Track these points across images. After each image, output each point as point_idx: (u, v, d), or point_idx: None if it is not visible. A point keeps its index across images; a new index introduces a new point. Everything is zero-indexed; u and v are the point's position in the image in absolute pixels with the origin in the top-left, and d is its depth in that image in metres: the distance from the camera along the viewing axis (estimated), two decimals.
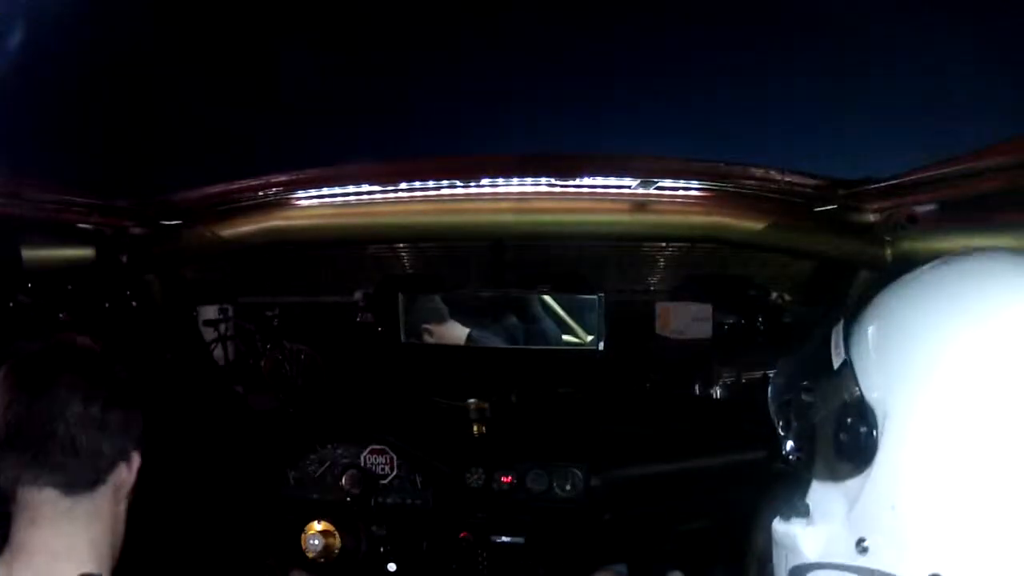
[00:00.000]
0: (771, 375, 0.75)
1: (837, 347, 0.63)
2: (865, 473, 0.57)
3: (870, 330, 0.61)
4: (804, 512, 0.63)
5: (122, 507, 0.79)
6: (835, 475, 0.61)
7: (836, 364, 0.62)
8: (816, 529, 0.62)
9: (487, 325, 1.53)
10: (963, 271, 0.60)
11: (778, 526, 0.67)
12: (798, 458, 0.66)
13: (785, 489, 0.68)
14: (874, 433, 0.57)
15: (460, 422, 1.56)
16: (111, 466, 0.75)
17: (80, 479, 0.73)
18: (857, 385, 0.59)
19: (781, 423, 0.70)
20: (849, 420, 0.59)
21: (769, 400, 0.72)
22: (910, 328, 0.58)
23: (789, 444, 0.67)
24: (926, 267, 0.63)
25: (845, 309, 0.67)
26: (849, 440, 0.59)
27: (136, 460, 0.79)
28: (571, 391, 1.66)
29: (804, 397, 0.66)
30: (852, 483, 0.58)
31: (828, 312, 0.70)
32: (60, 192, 1.14)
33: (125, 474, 0.77)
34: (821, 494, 0.63)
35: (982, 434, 0.52)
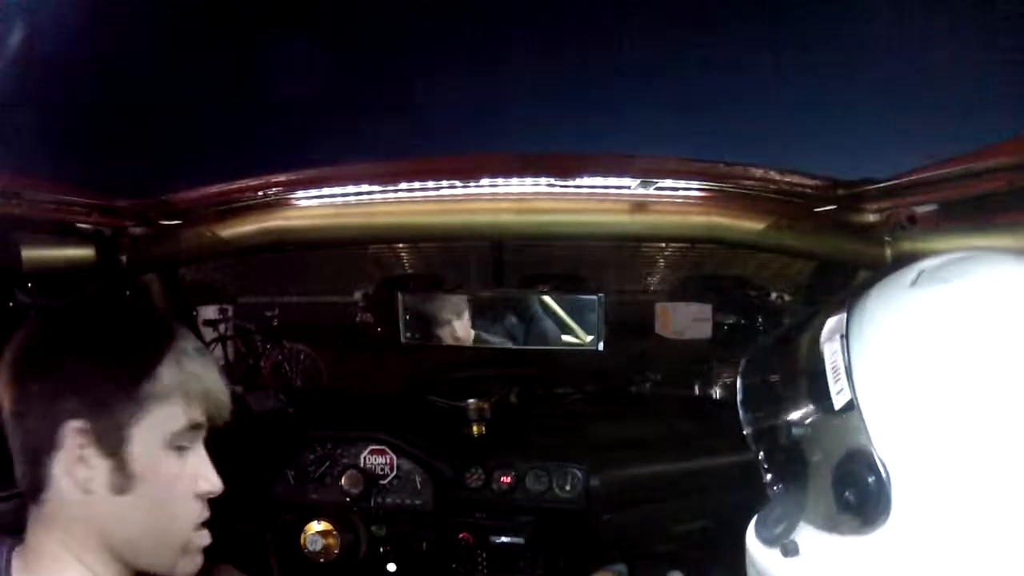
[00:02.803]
0: (740, 391, 0.65)
1: (837, 378, 0.53)
2: (873, 533, 0.50)
3: (885, 369, 0.51)
4: (793, 551, 0.56)
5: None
6: (833, 528, 0.53)
7: (838, 402, 0.52)
8: (802, 569, 0.55)
9: (487, 325, 1.53)
10: (1000, 296, 0.49)
11: (756, 548, 0.60)
12: (784, 495, 0.58)
13: (765, 503, 0.61)
14: (888, 493, 0.49)
15: (460, 422, 1.56)
16: None
17: None
18: (867, 436, 0.50)
19: (761, 453, 0.61)
20: (855, 473, 0.50)
21: (743, 422, 0.63)
22: (945, 378, 0.48)
23: (770, 476, 0.60)
24: (940, 285, 0.52)
25: (839, 321, 0.56)
26: (856, 497, 0.51)
27: None
28: (571, 391, 1.66)
29: (794, 431, 0.57)
30: (854, 539, 0.51)
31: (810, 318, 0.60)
32: (60, 192, 1.14)
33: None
34: (813, 539, 0.55)
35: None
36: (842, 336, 0.54)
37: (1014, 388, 0.46)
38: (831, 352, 0.54)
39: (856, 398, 0.51)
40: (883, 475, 0.49)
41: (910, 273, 0.56)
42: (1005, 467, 0.46)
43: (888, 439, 0.50)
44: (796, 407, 0.57)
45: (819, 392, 0.54)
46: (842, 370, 0.53)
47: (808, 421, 0.56)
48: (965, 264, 0.53)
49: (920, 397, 0.49)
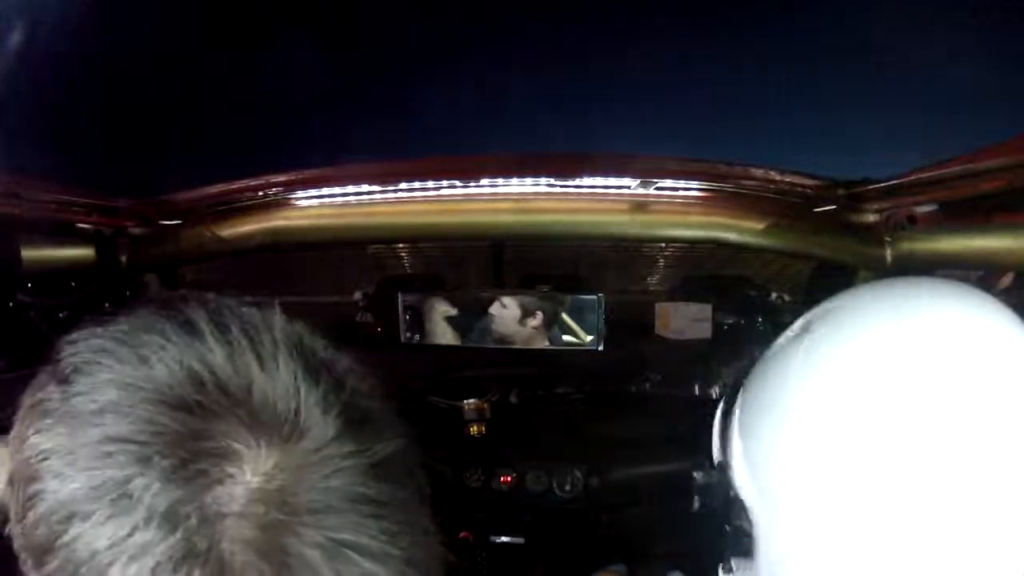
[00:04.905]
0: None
1: (715, 439, 0.64)
2: (752, 568, 0.58)
3: (736, 422, 0.60)
4: (728, 570, 0.64)
5: None
6: (726, 565, 0.62)
7: (716, 458, 0.64)
8: None
9: (487, 325, 1.53)
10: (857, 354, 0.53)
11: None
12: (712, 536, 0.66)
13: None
14: (752, 533, 0.56)
15: (459, 422, 1.56)
16: None
17: None
18: (732, 484, 0.59)
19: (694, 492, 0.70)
20: (729, 515, 0.59)
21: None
22: (769, 414, 0.56)
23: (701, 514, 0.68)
24: (792, 340, 0.58)
25: (730, 389, 0.65)
26: (731, 535, 0.59)
27: None
28: (571, 391, 1.66)
29: (698, 477, 0.68)
30: (746, 563, 0.59)
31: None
32: (60, 192, 1.14)
33: None
34: (737, 564, 0.62)
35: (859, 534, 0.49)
36: (726, 400, 0.63)
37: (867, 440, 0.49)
38: (717, 419, 0.65)
39: (726, 454, 0.60)
40: (745, 516, 0.56)
41: (801, 323, 0.61)
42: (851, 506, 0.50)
43: (744, 484, 0.57)
44: (702, 463, 0.70)
45: (711, 451, 0.66)
46: (717, 435, 0.64)
47: (707, 473, 0.67)
48: (838, 316, 0.57)
49: (759, 442, 0.56)
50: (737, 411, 0.60)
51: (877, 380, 0.49)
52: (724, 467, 0.60)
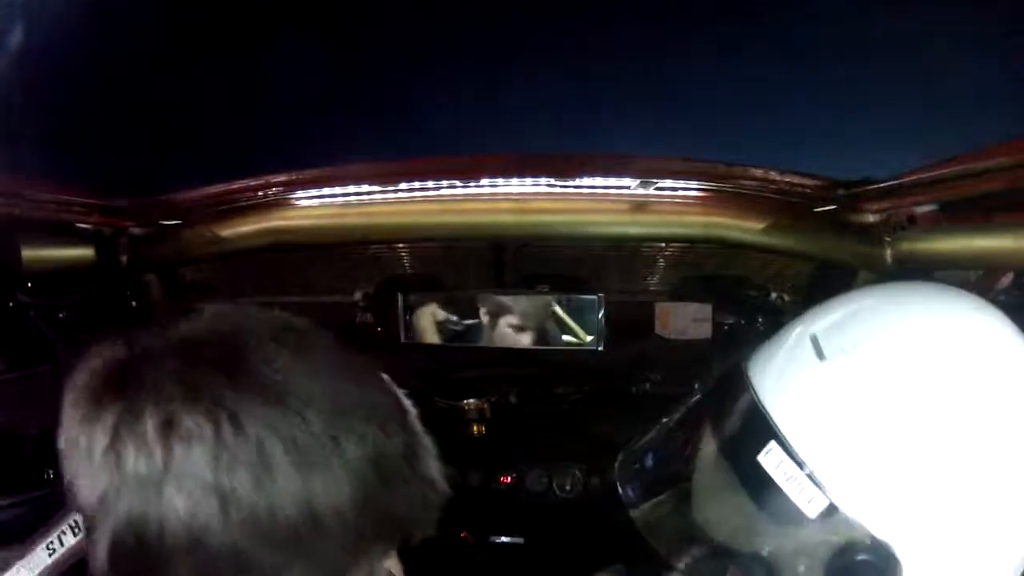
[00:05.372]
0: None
1: (798, 487, 0.52)
2: None
3: (845, 460, 0.52)
4: None
5: None
6: None
7: (812, 511, 0.52)
8: None
9: (487, 325, 1.53)
10: (911, 351, 0.54)
11: None
12: None
13: None
14: (898, 563, 0.51)
15: (459, 422, 1.56)
16: None
17: None
18: (863, 530, 0.52)
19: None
20: (859, 564, 0.51)
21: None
22: (904, 445, 0.51)
23: None
24: (849, 356, 0.54)
25: (761, 424, 0.55)
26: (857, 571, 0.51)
27: None
28: (571, 391, 1.66)
29: (761, 552, 0.56)
30: None
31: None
32: (60, 192, 1.14)
33: None
34: None
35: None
36: (777, 442, 0.54)
37: (963, 430, 0.51)
38: (775, 462, 0.54)
39: (833, 500, 0.52)
40: (889, 551, 0.51)
41: (803, 344, 0.57)
42: (983, 495, 0.51)
43: (877, 520, 0.52)
44: (764, 532, 0.57)
45: (786, 511, 0.54)
46: (803, 478, 0.53)
47: (780, 538, 0.56)
48: (857, 325, 0.57)
49: (891, 471, 0.52)
50: (821, 459, 0.53)
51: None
52: (833, 511, 0.52)
